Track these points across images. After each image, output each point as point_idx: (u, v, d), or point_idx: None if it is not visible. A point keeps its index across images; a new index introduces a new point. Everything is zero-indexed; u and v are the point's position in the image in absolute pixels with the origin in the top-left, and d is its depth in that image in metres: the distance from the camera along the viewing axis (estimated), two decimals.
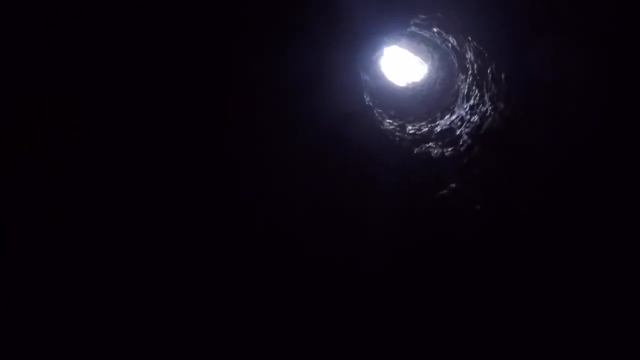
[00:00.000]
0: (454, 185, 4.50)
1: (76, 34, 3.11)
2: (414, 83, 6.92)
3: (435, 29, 4.92)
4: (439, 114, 5.73)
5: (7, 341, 3.33)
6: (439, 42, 5.47)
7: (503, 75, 4.32)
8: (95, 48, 3.21)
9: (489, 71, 4.54)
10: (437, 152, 4.94)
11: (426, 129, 5.51)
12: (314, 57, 3.99)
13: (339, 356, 3.82)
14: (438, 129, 5.37)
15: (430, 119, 5.73)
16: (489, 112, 4.63)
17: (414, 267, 4.14)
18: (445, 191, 4.48)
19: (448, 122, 5.36)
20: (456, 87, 5.66)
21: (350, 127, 4.55)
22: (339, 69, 4.27)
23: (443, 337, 3.82)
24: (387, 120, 5.50)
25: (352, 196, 4.37)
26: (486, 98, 4.73)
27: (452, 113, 5.46)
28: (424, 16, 4.60)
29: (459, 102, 5.46)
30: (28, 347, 3.30)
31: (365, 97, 5.01)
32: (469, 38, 4.50)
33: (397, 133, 5.19)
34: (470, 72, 5.03)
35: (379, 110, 5.61)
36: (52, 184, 3.27)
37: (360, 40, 4.41)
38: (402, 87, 6.91)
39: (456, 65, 5.44)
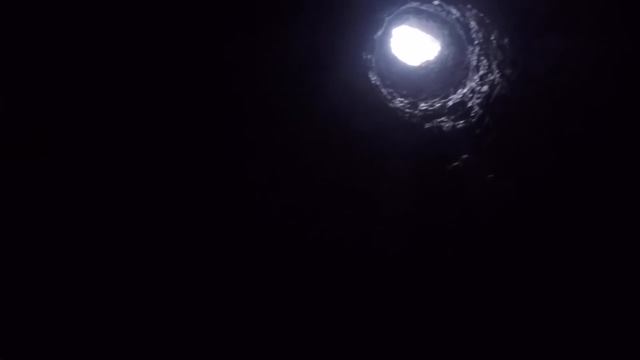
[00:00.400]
0: (465, 156, 4.44)
1: (79, 24, 3.23)
2: (427, 61, 6.83)
3: (436, 1, 4.86)
4: (452, 89, 5.63)
5: (36, 338, 3.53)
6: (444, 15, 5.39)
7: (507, 40, 4.22)
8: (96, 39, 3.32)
9: (492, 38, 4.45)
10: (448, 126, 4.88)
11: (439, 104, 5.44)
12: (309, 42, 4.00)
13: (351, 338, 3.84)
14: (450, 103, 5.30)
15: (443, 95, 5.65)
16: (497, 80, 4.54)
17: (428, 243, 4.11)
18: (456, 163, 4.42)
19: (460, 96, 5.28)
20: (467, 60, 5.56)
21: (356, 109, 4.56)
22: (337, 52, 4.26)
23: (457, 319, 3.79)
24: (398, 99, 5.46)
25: (362, 176, 4.38)
26: (494, 66, 4.63)
27: (464, 86, 5.37)
28: None
29: (470, 74, 5.36)
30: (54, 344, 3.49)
31: (371, 77, 5.00)
32: (469, 6, 4.43)
33: (407, 110, 5.15)
34: (476, 42, 4.94)
35: (390, 90, 5.56)
36: (65, 181, 3.45)
37: (358, 20, 4.40)
38: (416, 67, 6.83)
39: (464, 37, 5.35)
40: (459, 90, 5.40)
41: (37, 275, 3.67)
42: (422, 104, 5.52)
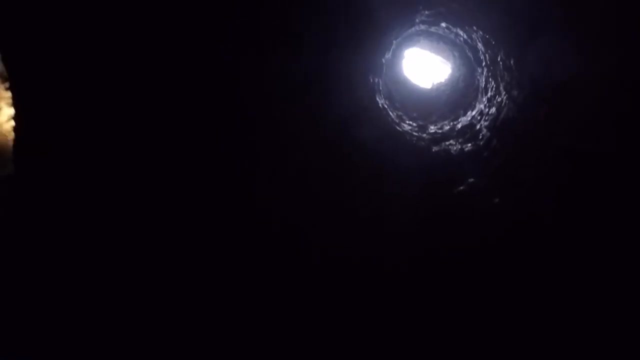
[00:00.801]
0: (472, 180, 4.35)
1: (82, 31, 3.29)
2: (438, 83, 6.79)
3: (443, 24, 4.84)
4: (462, 111, 5.57)
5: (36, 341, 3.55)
6: (452, 37, 5.36)
7: (512, 61, 4.16)
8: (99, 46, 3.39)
9: (499, 59, 4.39)
10: (456, 149, 4.80)
11: (448, 127, 5.38)
12: (313, 63, 4.00)
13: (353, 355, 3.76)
14: (459, 126, 5.23)
15: (452, 117, 5.59)
16: (504, 102, 4.47)
17: (432, 265, 4.01)
18: (463, 187, 4.33)
19: (469, 118, 5.21)
20: (477, 82, 5.50)
21: (363, 131, 4.52)
22: (342, 74, 4.24)
23: (459, 338, 3.66)
24: (407, 122, 5.41)
25: (368, 198, 4.33)
26: (501, 88, 4.56)
27: (473, 108, 5.31)
28: (427, 12, 4.54)
29: (479, 96, 5.29)
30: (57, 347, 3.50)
31: (378, 100, 4.97)
32: (474, 28, 4.39)
33: (414, 133, 5.10)
34: (484, 63, 4.88)
35: (399, 113, 5.53)
36: (65, 180, 3.48)
37: (363, 44, 4.39)
38: (427, 89, 6.80)
39: (472, 59, 5.30)
40: (468, 113, 5.33)
41: (38, 276, 3.71)
42: (432, 127, 5.45)
